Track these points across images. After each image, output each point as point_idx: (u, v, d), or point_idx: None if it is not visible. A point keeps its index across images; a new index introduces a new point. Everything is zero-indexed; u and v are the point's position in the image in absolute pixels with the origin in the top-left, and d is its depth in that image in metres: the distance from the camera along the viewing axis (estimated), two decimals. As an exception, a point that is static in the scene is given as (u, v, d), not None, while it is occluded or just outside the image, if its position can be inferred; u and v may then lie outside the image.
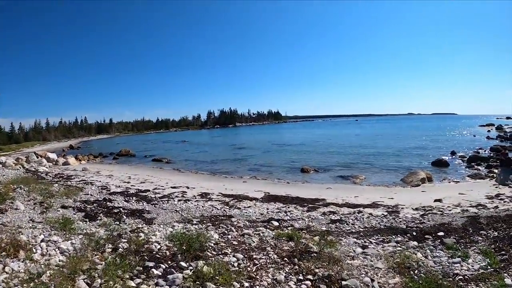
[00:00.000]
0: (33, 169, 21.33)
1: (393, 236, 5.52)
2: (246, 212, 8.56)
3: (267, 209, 9.05)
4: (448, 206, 9.04)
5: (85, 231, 5.57)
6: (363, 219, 7.41)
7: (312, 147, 34.56)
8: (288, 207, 9.17)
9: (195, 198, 11.48)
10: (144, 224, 6.60)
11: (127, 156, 33.21)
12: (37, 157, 25.69)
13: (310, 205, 9.56)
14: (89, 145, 59.72)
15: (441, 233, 5.49)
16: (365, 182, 15.41)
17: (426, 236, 5.39)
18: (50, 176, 17.14)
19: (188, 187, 14.09)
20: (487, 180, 14.14)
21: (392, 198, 10.90)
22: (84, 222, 6.60)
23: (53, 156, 27.14)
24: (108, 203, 9.52)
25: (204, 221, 7.01)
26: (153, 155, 32.54)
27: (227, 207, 9.37)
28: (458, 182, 14.97)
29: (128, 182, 15.70)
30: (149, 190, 12.91)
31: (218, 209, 9.08)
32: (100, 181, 15.41)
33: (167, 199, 10.89)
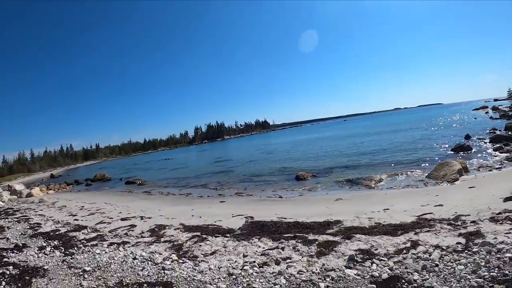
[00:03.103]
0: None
1: None
2: (203, 271, 4.64)
3: (245, 256, 5.11)
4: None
5: None
6: (439, 269, 3.51)
7: (304, 151, 30.82)
8: (283, 250, 5.18)
9: (141, 235, 7.75)
10: None
11: (102, 181, 30.62)
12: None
13: (319, 238, 5.60)
14: (73, 172, 55.54)
15: None
16: (383, 185, 11.58)
17: None
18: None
19: (142, 217, 10.29)
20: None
21: (440, 205, 7.08)
22: None
23: (20, 187, 24.99)
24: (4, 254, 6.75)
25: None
26: (130, 177, 29.40)
27: (176, 257, 5.47)
28: (501, 168, 11.40)
29: (75, 215, 12.34)
30: (86, 227, 9.42)
31: (155, 264, 5.20)
32: (41, 216, 12.82)
33: (97, 241, 7.44)
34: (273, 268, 4.36)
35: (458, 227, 5.33)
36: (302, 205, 9.60)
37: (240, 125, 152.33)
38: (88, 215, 12.07)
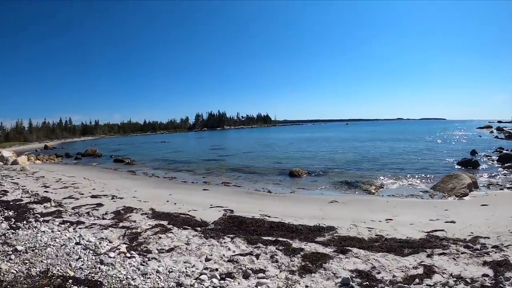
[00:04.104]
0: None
1: None
2: (147, 273, 3.65)
3: (207, 260, 4.05)
4: None
5: None
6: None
7: (302, 148, 29.69)
8: (257, 258, 4.09)
9: (103, 217, 6.78)
10: None
11: (93, 157, 29.95)
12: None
13: (306, 247, 4.52)
14: (68, 146, 54.35)
15: None
16: (384, 191, 10.51)
17: None
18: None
19: (114, 197, 9.32)
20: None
21: (452, 222, 6.01)
22: None
23: (7, 154, 24.65)
24: None
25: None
26: (120, 155, 28.55)
27: (125, 248, 4.45)
28: (514, 188, 10.38)
29: (48, 187, 11.53)
30: (50, 201, 8.53)
31: (96, 254, 4.32)
32: (14, 184, 12.22)
33: (52, 217, 6.59)
34: (238, 283, 3.28)
35: (478, 252, 4.27)
36: (292, 204, 8.52)
37: (242, 117, 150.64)
38: (61, 188, 11.20)
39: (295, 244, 4.66)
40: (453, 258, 3.95)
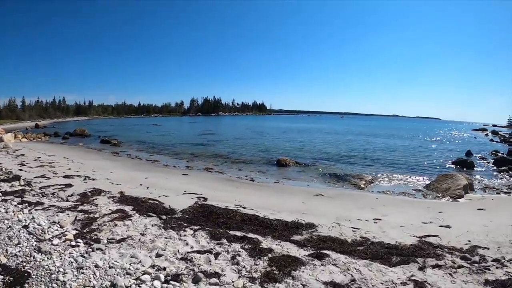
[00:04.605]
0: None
1: None
2: (83, 267, 3.12)
3: (158, 256, 3.40)
4: None
5: None
6: None
7: (295, 137, 29.04)
8: (215, 258, 3.39)
9: (67, 198, 6.24)
10: None
11: (81, 137, 29.21)
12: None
13: (277, 248, 3.81)
14: (60, 125, 52.78)
15: None
16: (374, 187, 9.87)
17: None
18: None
19: (87, 178, 8.62)
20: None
21: (447, 227, 5.36)
22: None
23: None
24: None
25: None
26: (109, 136, 27.49)
27: (72, 235, 3.94)
28: (510, 193, 9.87)
29: (24, 165, 10.91)
30: (20, 179, 7.90)
31: (38, 240, 3.92)
32: None
33: (12, 197, 6.02)
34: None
35: (478, 266, 3.62)
36: (273, 195, 7.82)
37: (237, 104, 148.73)
38: (37, 167, 10.57)
39: (266, 242, 3.97)
40: (449, 274, 3.28)
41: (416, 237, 4.63)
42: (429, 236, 4.71)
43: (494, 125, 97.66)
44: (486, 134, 47.23)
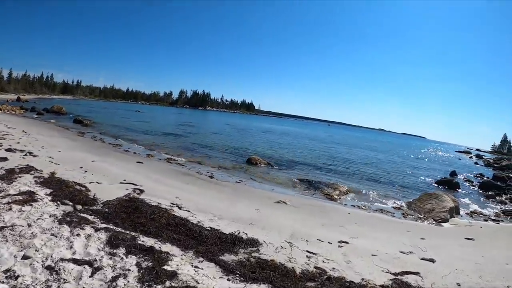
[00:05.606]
0: None
1: None
2: None
3: (25, 258, 2.08)
4: None
5: None
6: None
7: (275, 139, 27.99)
8: (92, 274, 2.10)
9: None
10: None
11: (56, 114, 28.33)
12: None
13: (189, 272, 2.50)
14: (42, 102, 49.98)
15: None
16: (348, 199, 8.67)
17: None
18: None
19: (29, 154, 7.76)
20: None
21: (431, 260, 4.18)
22: None
23: None
24: None
25: None
26: (86, 117, 26.27)
27: None
28: (498, 221, 8.90)
29: None
30: None
31: None
32: None
33: None
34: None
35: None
36: (227, 196, 6.50)
37: (226, 100, 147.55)
38: None
39: (176, 261, 2.69)
40: None
41: (391, 273, 3.40)
42: (407, 273, 3.49)
43: (477, 149, 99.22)
44: (471, 157, 47.29)
